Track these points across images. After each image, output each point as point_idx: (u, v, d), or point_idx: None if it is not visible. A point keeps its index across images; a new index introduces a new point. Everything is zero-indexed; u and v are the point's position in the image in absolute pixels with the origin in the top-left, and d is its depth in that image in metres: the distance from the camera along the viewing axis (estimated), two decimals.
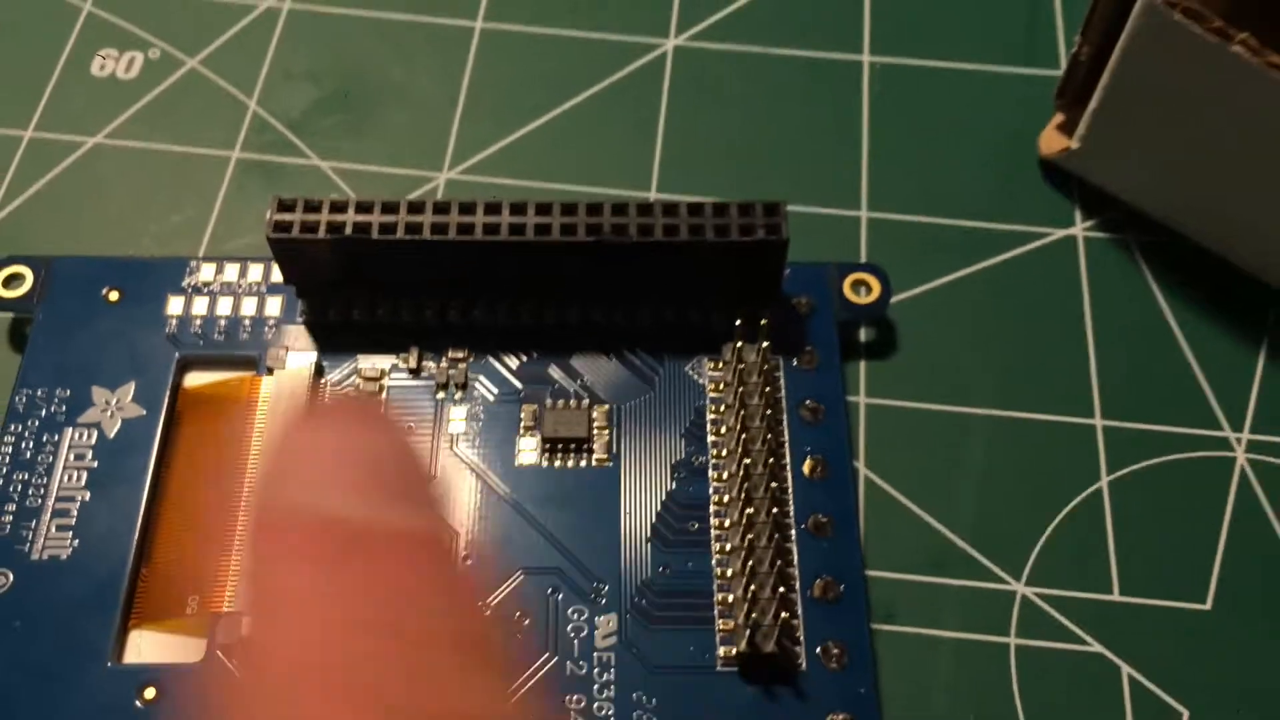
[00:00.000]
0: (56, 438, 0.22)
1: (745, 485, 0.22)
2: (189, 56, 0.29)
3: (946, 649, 0.22)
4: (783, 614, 0.20)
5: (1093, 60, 0.25)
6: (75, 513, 0.22)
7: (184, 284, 0.24)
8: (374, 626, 0.12)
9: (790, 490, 0.22)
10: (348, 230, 0.22)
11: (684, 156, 0.28)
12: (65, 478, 0.22)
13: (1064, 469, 0.24)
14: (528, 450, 0.23)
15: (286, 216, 0.22)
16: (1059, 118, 0.27)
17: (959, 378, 0.25)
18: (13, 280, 0.24)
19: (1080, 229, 0.26)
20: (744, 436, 0.22)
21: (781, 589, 0.21)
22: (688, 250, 0.22)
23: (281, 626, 0.12)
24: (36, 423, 0.23)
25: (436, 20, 0.30)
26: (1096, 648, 0.22)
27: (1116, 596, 0.22)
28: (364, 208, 0.22)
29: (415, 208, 0.22)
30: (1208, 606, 0.22)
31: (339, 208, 0.22)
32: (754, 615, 0.20)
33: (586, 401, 0.23)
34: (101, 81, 0.29)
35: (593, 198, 0.26)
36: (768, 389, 0.22)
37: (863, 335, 0.25)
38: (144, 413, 0.23)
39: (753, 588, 0.21)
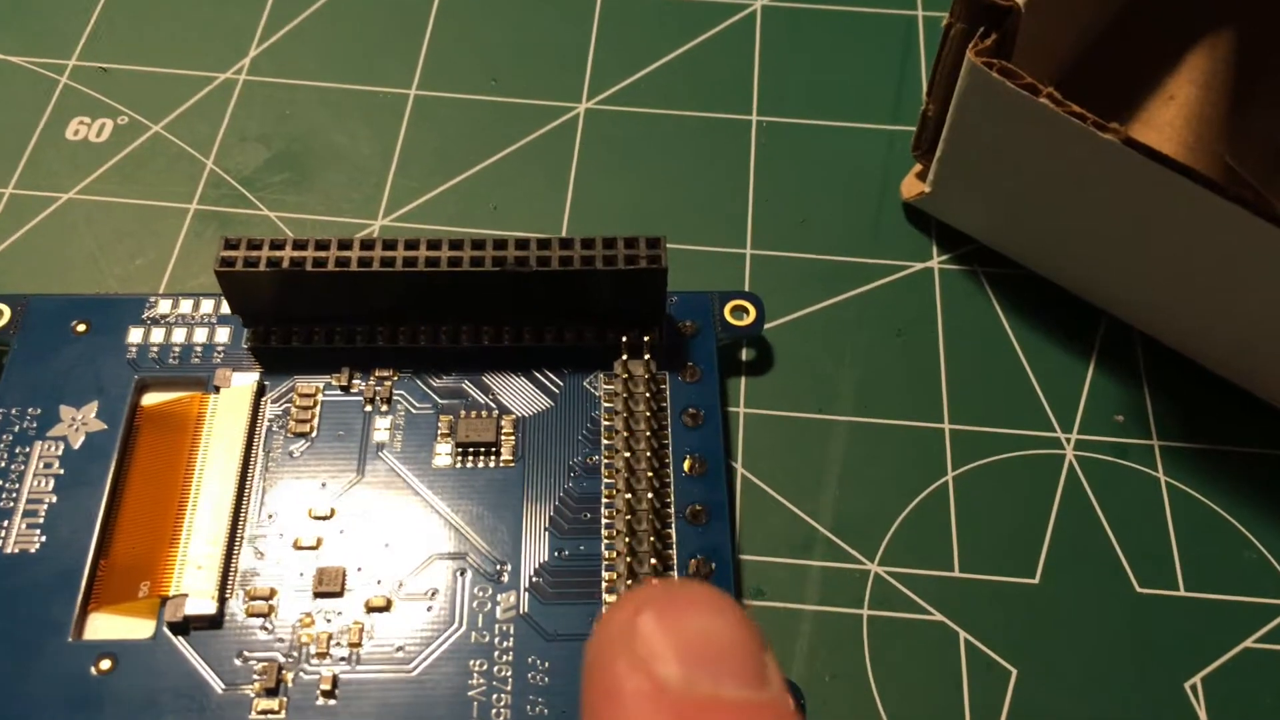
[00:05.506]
0: (28, 449, 0.26)
1: (630, 479, 0.25)
2: (153, 122, 0.33)
3: (808, 620, 0.25)
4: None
5: (938, 116, 0.29)
6: (43, 513, 0.25)
7: (144, 316, 0.27)
8: None
9: (671, 484, 0.25)
10: (285, 264, 0.25)
11: (592, 204, 0.31)
12: (35, 483, 0.25)
13: (915, 466, 0.27)
14: (443, 454, 0.26)
15: (232, 253, 0.26)
16: (917, 167, 0.31)
17: (827, 390, 0.28)
18: None
19: (936, 262, 0.30)
20: (630, 439, 0.25)
21: (659, 565, 0.24)
22: (581, 278, 0.26)
23: None
24: (10, 437, 0.26)
25: (375, 89, 0.33)
26: (938, 617, 0.25)
27: (957, 573, 0.26)
28: (300, 245, 0.26)
29: (344, 244, 0.26)
30: (1036, 581, 0.25)
31: (278, 245, 0.26)
32: (632, 586, 0.23)
33: (496, 412, 0.26)
34: (75, 144, 0.32)
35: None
36: (649, 397, 0.26)
37: (744, 355, 0.29)
38: (105, 427, 0.26)
39: (633, 564, 0.24)
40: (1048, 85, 0.26)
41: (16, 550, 0.24)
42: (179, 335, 0.27)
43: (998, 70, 0.26)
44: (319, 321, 0.27)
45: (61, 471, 0.25)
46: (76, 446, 0.26)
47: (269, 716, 0.22)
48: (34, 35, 0.34)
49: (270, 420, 0.26)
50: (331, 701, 0.23)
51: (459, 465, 0.26)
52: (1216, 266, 0.26)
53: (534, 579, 0.24)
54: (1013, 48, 0.27)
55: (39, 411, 0.26)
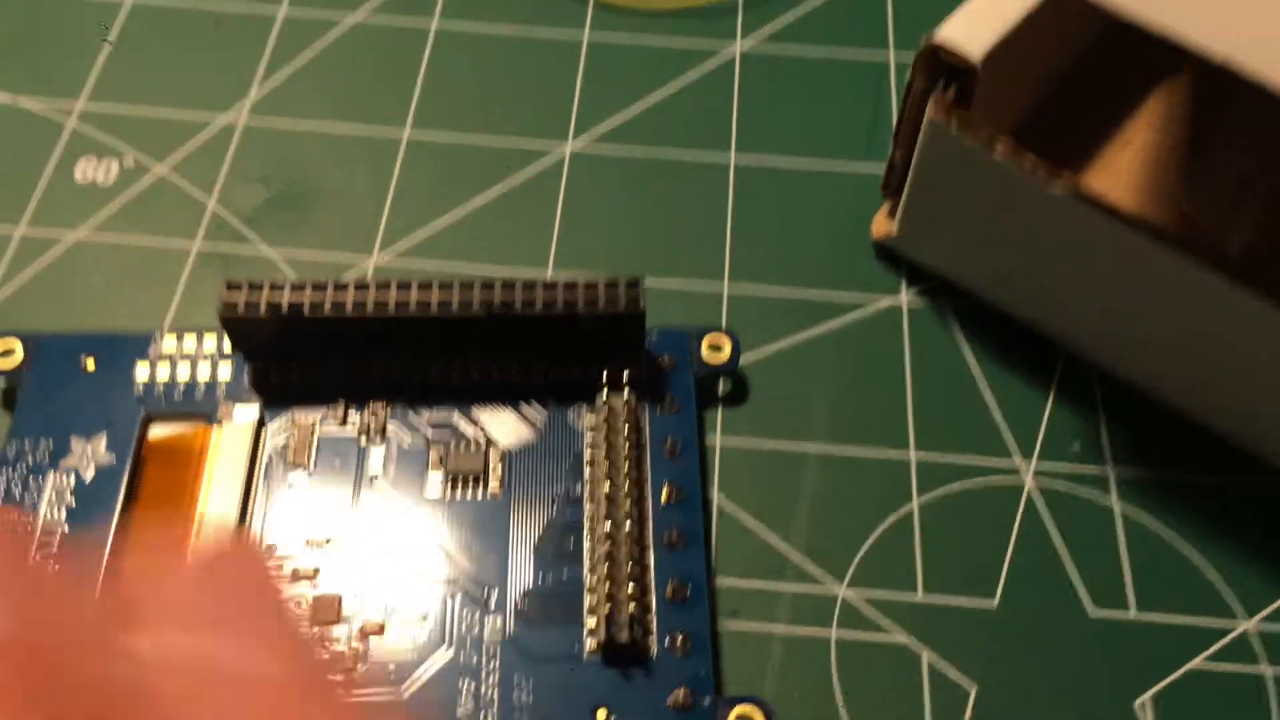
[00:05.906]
0: (41, 479, 0.27)
1: (611, 508, 0.26)
2: (158, 163, 0.34)
3: (779, 641, 0.26)
4: (634, 609, 0.25)
5: (904, 161, 0.31)
6: (55, 543, 0.26)
7: (149, 353, 0.29)
8: None
9: (650, 512, 0.27)
10: (284, 308, 0.27)
11: (577, 241, 0.33)
12: (48, 513, 0.27)
13: (882, 493, 0.28)
14: (434, 484, 0.27)
15: (234, 296, 0.27)
16: (886, 206, 0.32)
17: (799, 420, 0.30)
18: (5, 353, 0.29)
19: (904, 297, 0.32)
20: (610, 470, 0.27)
21: (637, 591, 0.25)
22: (562, 319, 0.27)
23: None
24: (25, 468, 0.27)
25: (370, 132, 0.35)
26: (902, 638, 0.26)
27: (920, 597, 0.27)
28: (298, 288, 0.27)
29: (340, 287, 0.27)
30: (995, 604, 0.27)
31: (278, 288, 0.27)
32: (612, 611, 0.25)
33: (485, 444, 0.28)
34: (83, 186, 0.34)
35: (493, 277, 0.31)
36: (627, 427, 0.27)
37: (720, 388, 0.30)
38: (114, 460, 0.27)
39: (612, 590, 0.25)
40: (1006, 134, 0.27)
41: None
42: (183, 371, 0.29)
43: (956, 121, 0.28)
44: (318, 358, 0.28)
45: (72, 501, 0.27)
46: (87, 479, 0.27)
47: None
48: (42, 79, 0.36)
49: (270, 453, 0.28)
50: None
51: (449, 496, 0.27)
52: (1167, 309, 0.27)
53: (519, 603, 0.26)
54: (971, 99, 0.28)
55: (51, 444, 0.27)
